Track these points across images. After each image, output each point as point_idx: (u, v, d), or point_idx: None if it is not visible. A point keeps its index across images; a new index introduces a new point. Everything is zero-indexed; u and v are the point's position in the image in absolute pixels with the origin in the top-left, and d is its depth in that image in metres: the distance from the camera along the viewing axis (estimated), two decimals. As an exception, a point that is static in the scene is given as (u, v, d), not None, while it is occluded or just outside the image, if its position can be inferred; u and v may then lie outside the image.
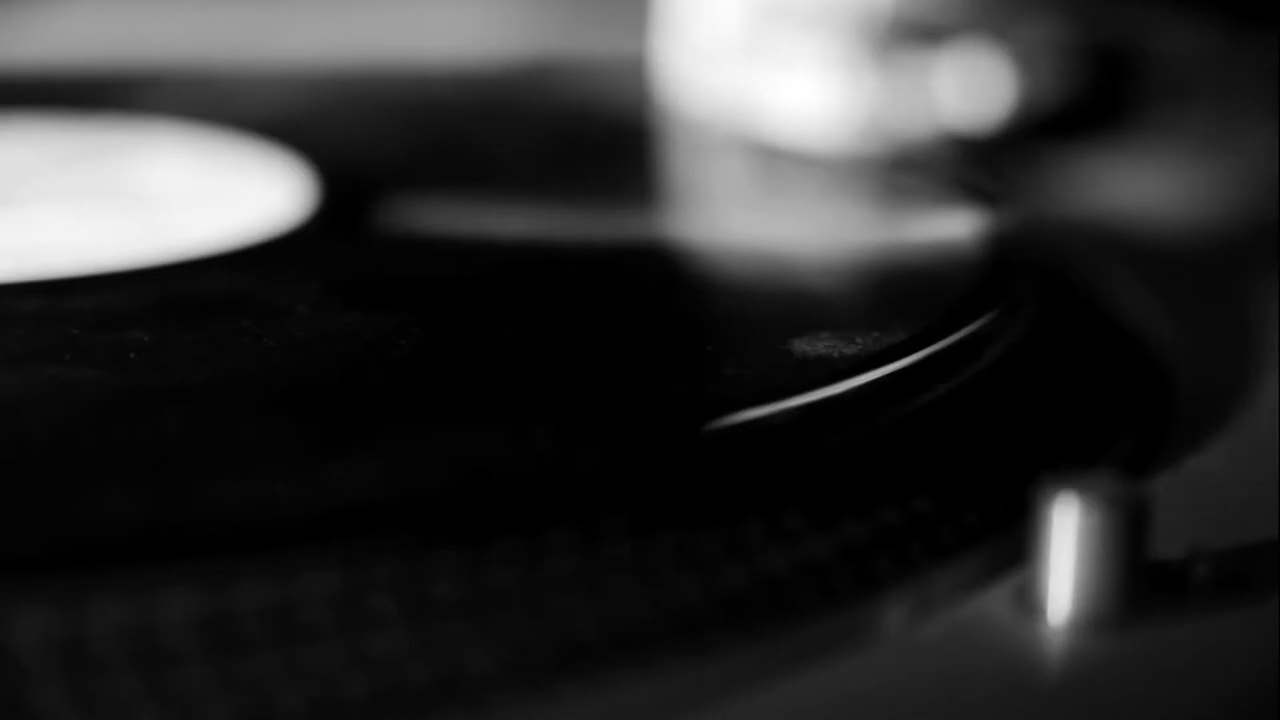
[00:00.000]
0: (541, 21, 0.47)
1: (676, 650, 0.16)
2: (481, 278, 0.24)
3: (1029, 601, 0.17)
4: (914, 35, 0.36)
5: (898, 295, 0.24)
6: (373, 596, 0.16)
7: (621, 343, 0.22)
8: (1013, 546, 0.18)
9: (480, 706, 0.15)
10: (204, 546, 0.16)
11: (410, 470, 0.18)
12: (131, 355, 0.20)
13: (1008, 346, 0.22)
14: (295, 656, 0.15)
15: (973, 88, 0.36)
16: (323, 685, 0.15)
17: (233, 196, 0.27)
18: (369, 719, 0.15)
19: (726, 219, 0.29)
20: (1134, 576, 0.17)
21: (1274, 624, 0.17)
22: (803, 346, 0.21)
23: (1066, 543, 0.17)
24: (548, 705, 0.15)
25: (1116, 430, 0.22)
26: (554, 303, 0.23)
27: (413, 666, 0.16)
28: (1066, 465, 0.20)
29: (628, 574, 0.17)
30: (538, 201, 0.28)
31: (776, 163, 0.32)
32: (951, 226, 0.27)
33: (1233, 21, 0.38)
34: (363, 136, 0.33)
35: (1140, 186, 0.33)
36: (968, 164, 0.34)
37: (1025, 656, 0.16)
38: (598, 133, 0.34)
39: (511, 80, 0.40)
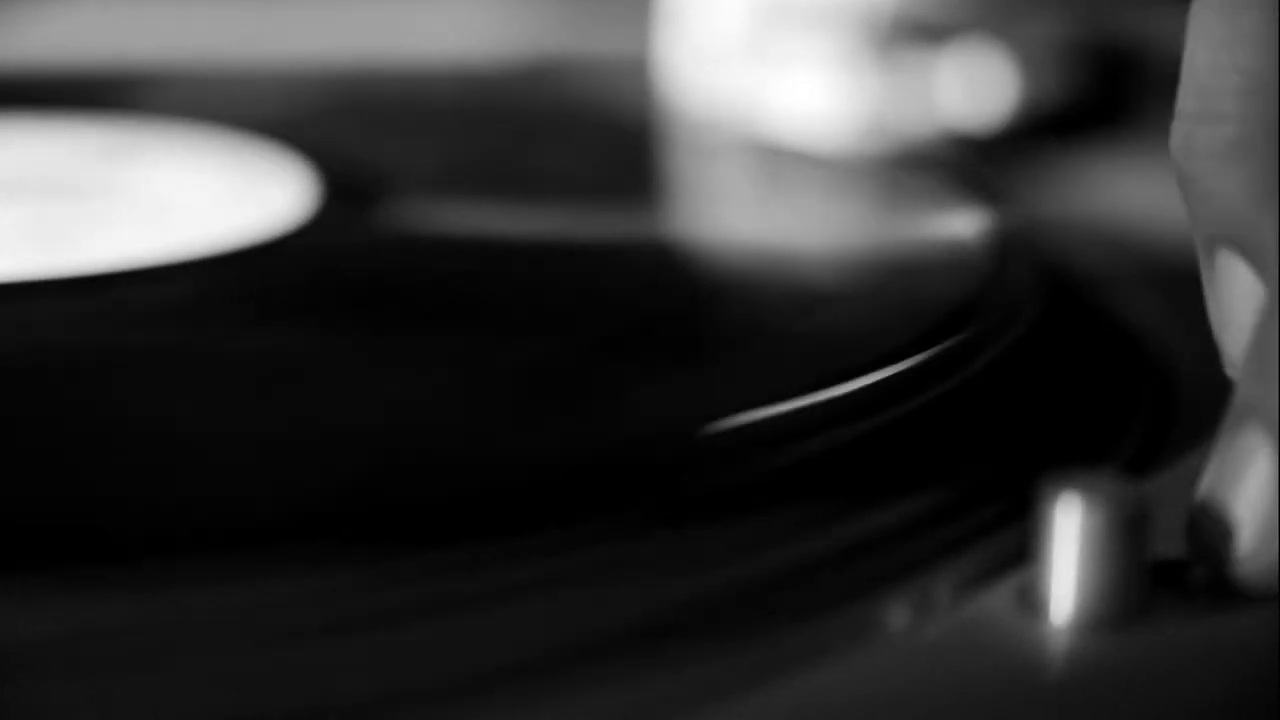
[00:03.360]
0: (544, 21, 0.47)
1: (678, 650, 0.16)
2: (481, 276, 0.24)
3: (1031, 601, 0.17)
4: (916, 35, 0.36)
5: (899, 294, 0.24)
6: (367, 597, 0.16)
7: (621, 342, 0.22)
8: (1015, 546, 0.18)
9: (479, 706, 0.15)
10: (193, 548, 0.16)
11: (404, 469, 0.18)
12: (133, 356, 0.21)
13: (1009, 346, 0.22)
14: (292, 659, 0.15)
15: (975, 87, 0.36)
16: (320, 686, 0.15)
17: (236, 197, 0.27)
18: None
19: (728, 218, 0.29)
20: (1136, 576, 0.17)
21: (1275, 624, 0.17)
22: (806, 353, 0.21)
23: (1069, 542, 0.17)
24: (548, 704, 0.15)
25: (1118, 430, 0.22)
26: (554, 301, 0.23)
27: (408, 668, 0.16)
28: (1069, 465, 0.20)
29: (629, 573, 0.17)
30: (540, 201, 0.28)
31: (779, 162, 0.32)
32: (953, 226, 0.27)
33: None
34: (365, 136, 0.33)
35: (1142, 185, 0.33)
36: (970, 163, 0.34)
37: (1027, 656, 0.16)
38: (600, 132, 0.34)
39: (514, 80, 0.40)
